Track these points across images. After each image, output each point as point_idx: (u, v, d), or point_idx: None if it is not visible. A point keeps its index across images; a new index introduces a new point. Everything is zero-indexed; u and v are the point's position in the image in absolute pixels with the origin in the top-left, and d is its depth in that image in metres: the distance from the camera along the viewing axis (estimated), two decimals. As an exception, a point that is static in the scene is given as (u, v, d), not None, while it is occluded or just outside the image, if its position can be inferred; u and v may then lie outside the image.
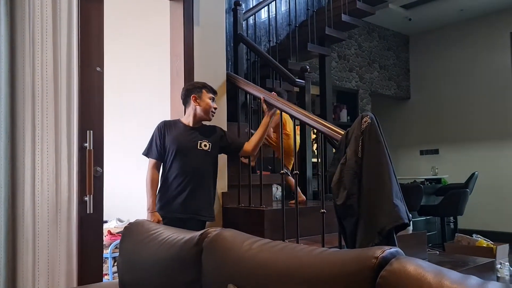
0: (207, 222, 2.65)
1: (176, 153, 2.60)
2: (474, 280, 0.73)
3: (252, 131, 3.19)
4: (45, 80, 2.17)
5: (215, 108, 2.70)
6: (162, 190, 2.64)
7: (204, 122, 2.73)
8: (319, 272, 0.90)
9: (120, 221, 3.56)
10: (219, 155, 2.78)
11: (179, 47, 2.92)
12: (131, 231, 1.65)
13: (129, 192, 3.53)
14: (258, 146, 2.82)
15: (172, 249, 1.39)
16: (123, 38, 3.56)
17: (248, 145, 2.78)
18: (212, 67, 3.10)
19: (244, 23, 4.24)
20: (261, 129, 2.80)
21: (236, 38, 4.12)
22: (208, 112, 2.66)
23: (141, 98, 3.50)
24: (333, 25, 4.75)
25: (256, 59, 4.27)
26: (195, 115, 2.65)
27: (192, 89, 2.66)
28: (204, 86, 2.67)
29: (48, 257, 2.15)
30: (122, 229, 3.47)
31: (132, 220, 3.60)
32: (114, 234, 3.41)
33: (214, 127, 2.78)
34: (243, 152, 2.80)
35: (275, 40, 4.60)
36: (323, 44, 4.82)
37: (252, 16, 4.51)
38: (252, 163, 3.25)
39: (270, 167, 4.14)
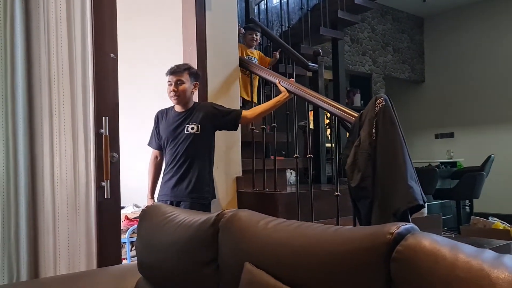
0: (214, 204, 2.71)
1: (167, 140, 2.66)
2: (489, 253, 0.74)
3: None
4: (60, 68, 2.20)
5: (173, 91, 2.62)
6: (163, 177, 2.73)
7: (199, 103, 2.77)
8: (334, 249, 0.92)
9: (137, 206, 3.62)
10: (232, 139, 2.79)
11: (192, 32, 2.92)
12: (148, 214, 1.68)
13: (144, 179, 3.58)
14: (260, 116, 2.80)
15: (188, 231, 1.41)
16: (136, 24, 3.57)
17: (250, 112, 2.75)
18: (225, 52, 3.10)
19: (256, 8, 4.22)
20: (271, 102, 2.75)
21: (248, 23, 4.10)
22: (169, 98, 2.67)
23: (155, 83, 3.51)
24: (346, 8, 4.70)
25: (269, 44, 4.26)
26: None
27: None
28: (171, 70, 2.65)
29: (68, 241, 2.20)
30: (139, 214, 3.55)
31: (148, 206, 3.66)
32: (131, 219, 3.47)
33: (205, 105, 2.73)
34: (242, 120, 2.71)
35: (287, 25, 4.58)
36: (336, 27, 4.78)
37: (263, 1, 4.48)
38: None
39: (283, 152, 4.15)
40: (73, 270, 2.18)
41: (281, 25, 4.70)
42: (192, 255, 1.37)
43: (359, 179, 2.16)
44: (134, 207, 3.61)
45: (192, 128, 2.61)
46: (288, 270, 0.98)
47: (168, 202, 2.59)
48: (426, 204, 2.13)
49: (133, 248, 3.49)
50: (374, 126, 2.16)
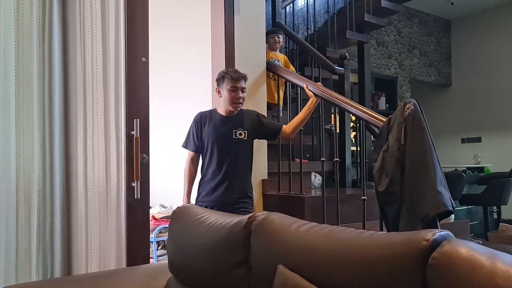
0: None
1: (212, 144, 2.62)
2: (528, 262, 0.74)
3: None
4: (95, 71, 2.27)
5: (241, 98, 2.60)
6: (202, 181, 2.69)
7: (241, 108, 2.72)
8: (368, 254, 0.93)
9: (164, 207, 3.68)
10: (258, 142, 2.81)
11: (220, 36, 2.97)
12: (179, 215, 1.72)
13: (171, 180, 3.64)
14: (297, 129, 2.82)
15: (220, 232, 1.44)
16: (166, 29, 3.65)
17: (288, 127, 2.78)
18: (252, 56, 3.13)
19: (282, 11, 4.24)
20: (304, 112, 2.78)
21: (274, 27, 4.13)
22: (231, 104, 2.61)
23: (184, 87, 3.58)
24: (372, 11, 4.67)
25: (295, 47, 4.27)
26: (224, 105, 2.64)
27: (218, 79, 2.65)
28: (226, 75, 2.60)
29: (100, 239, 2.26)
30: (165, 215, 3.62)
31: (174, 207, 3.73)
32: (158, 219, 3.54)
33: (250, 112, 2.75)
34: (282, 134, 2.78)
35: (312, 28, 4.58)
36: (362, 31, 4.76)
37: (289, 4, 4.50)
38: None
39: (308, 155, 4.16)
40: (104, 268, 2.24)
41: (307, 28, 4.71)
42: (224, 256, 1.40)
43: (387, 184, 2.15)
44: (161, 207, 3.68)
45: (240, 134, 2.64)
46: (322, 273, 1.00)
47: (215, 208, 2.53)
48: (454, 209, 2.12)
49: (159, 248, 3.55)
50: (403, 131, 2.16)
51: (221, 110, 2.68)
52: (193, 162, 2.72)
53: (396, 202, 2.14)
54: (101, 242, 2.27)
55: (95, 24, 2.27)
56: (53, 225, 2.14)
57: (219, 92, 2.64)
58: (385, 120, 2.34)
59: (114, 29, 2.31)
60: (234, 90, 2.58)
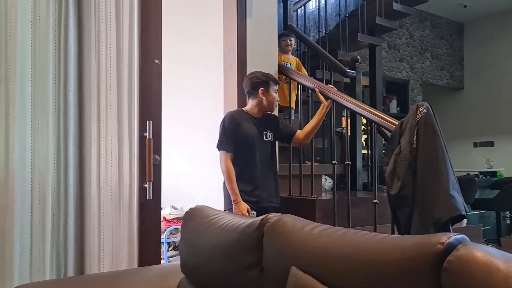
0: None
1: (246, 145, 2.64)
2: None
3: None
4: (109, 73, 2.29)
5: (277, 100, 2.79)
6: (243, 182, 2.66)
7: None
8: (382, 257, 0.93)
9: (174, 208, 3.70)
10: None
11: (233, 39, 2.98)
12: (192, 216, 1.73)
13: (182, 181, 3.67)
14: (311, 135, 2.84)
15: (232, 234, 1.45)
16: (178, 31, 3.67)
17: (301, 133, 2.82)
18: (265, 59, 3.14)
19: (293, 14, 4.25)
20: (316, 118, 2.82)
21: (286, 29, 4.14)
22: (273, 105, 2.74)
23: (195, 89, 3.60)
24: (384, 14, 4.66)
25: (306, 50, 4.28)
26: (260, 107, 2.71)
27: (260, 82, 2.70)
28: (270, 78, 2.73)
29: (112, 240, 2.28)
30: (176, 216, 3.64)
31: (185, 208, 3.75)
32: (169, 221, 3.56)
33: (270, 115, 2.82)
34: (295, 140, 2.83)
35: (324, 31, 4.58)
36: (374, 33, 4.75)
37: (301, 7, 4.51)
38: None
39: (318, 158, 4.15)
40: (116, 268, 2.26)
41: (318, 31, 4.71)
42: (236, 257, 1.40)
43: (399, 187, 2.15)
44: (172, 208, 3.70)
45: (269, 136, 2.73)
46: (335, 276, 1.00)
47: (252, 209, 2.60)
48: (467, 214, 2.10)
49: (170, 249, 3.57)
50: (415, 134, 2.15)
51: (253, 112, 2.73)
52: (230, 162, 2.65)
53: (408, 206, 2.13)
54: (113, 243, 2.29)
55: (110, 27, 2.30)
56: (67, 225, 2.16)
57: (262, 94, 2.68)
58: (397, 123, 2.34)
59: (128, 32, 2.34)
60: (276, 92, 2.75)
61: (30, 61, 2.08)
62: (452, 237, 0.86)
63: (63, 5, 2.16)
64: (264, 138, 2.70)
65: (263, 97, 2.68)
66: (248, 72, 2.97)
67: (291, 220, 1.28)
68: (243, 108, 2.77)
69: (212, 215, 1.64)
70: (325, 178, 4.13)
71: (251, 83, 2.70)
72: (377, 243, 0.97)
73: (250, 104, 2.73)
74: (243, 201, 2.59)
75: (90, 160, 2.25)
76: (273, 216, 1.35)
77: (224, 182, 2.68)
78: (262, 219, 1.36)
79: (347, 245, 1.02)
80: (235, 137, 2.64)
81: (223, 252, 1.47)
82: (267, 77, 2.72)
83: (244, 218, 1.51)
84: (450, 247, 0.84)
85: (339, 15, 4.64)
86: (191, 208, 1.76)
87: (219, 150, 2.66)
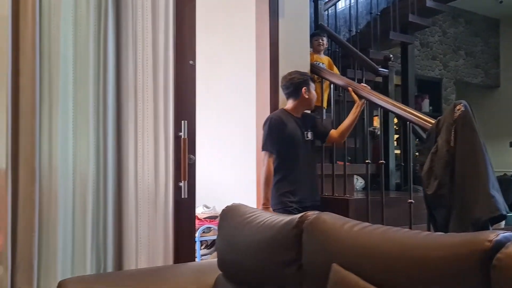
0: None
1: (291, 145, 2.66)
2: None
3: None
4: (145, 75, 2.35)
5: None
6: (280, 183, 2.68)
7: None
8: (427, 254, 0.92)
9: (207, 207, 3.75)
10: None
11: (265, 39, 3.00)
12: (229, 214, 1.76)
13: (214, 180, 3.71)
14: (346, 134, 2.83)
15: (270, 231, 1.47)
16: (211, 32, 3.72)
17: (336, 132, 2.82)
18: (297, 59, 3.14)
19: (324, 13, 4.24)
20: (350, 117, 2.82)
21: (317, 29, 4.12)
22: (313, 103, 2.78)
23: (228, 89, 3.63)
24: (417, 12, 4.58)
25: (337, 49, 4.25)
26: (302, 106, 2.75)
27: (302, 81, 2.72)
28: (309, 77, 2.77)
29: (149, 237, 2.33)
30: (209, 215, 3.68)
31: (217, 207, 3.80)
32: (201, 219, 3.61)
33: (308, 114, 2.85)
34: (329, 139, 2.83)
35: (355, 30, 4.54)
36: (406, 31, 4.67)
37: (332, 7, 4.49)
38: None
39: (349, 158, 4.12)
40: (152, 264, 2.31)
41: (349, 30, 4.68)
42: (274, 255, 1.42)
43: (436, 187, 2.11)
44: (204, 207, 3.75)
45: (309, 135, 2.76)
46: (379, 273, 1.00)
47: (296, 210, 2.56)
48: (507, 214, 2.05)
49: (202, 247, 3.62)
50: (452, 132, 2.11)
51: (294, 111, 2.76)
52: (272, 165, 2.65)
53: (445, 205, 2.10)
54: (149, 239, 2.34)
55: (146, 29, 2.35)
56: (106, 222, 2.23)
57: (305, 93, 2.72)
58: (433, 121, 2.30)
59: (163, 34, 2.39)
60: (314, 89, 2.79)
61: (71, 64, 2.15)
62: (500, 234, 0.85)
63: (103, 10, 2.23)
64: (306, 138, 2.72)
65: (306, 96, 2.70)
66: (281, 72, 2.98)
67: (330, 218, 1.28)
68: (284, 108, 2.78)
69: (249, 213, 1.66)
70: (357, 178, 4.10)
71: (293, 84, 2.72)
72: (422, 240, 0.97)
73: (292, 104, 2.74)
74: (287, 201, 2.62)
75: (127, 159, 2.30)
76: (312, 214, 1.35)
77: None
78: (301, 216, 1.37)
79: (390, 243, 1.02)
80: (281, 139, 2.64)
81: (261, 249, 1.49)
82: (307, 76, 2.76)
83: (282, 215, 1.52)
84: (499, 245, 0.83)
85: (370, 13, 4.59)
86: (227, 206, 1.78)
87: (263, 151, 2.66)
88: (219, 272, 1.77)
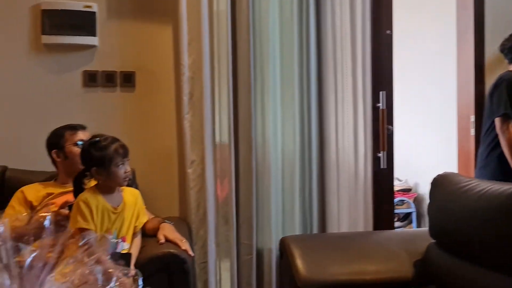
0: None
1: None
2: None
3: None
4: (344, 47, 2.42)
5: None
6: None
7: None
8: None
9: (399, 180, 3.70)
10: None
11: (467, -3, 2.75)
12: (441, 182, 1.71)
13: (406, 153, 3.61)
14: None
15: (494, 201, 1.39)
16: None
17: None
18: (508, 18, 2.77)
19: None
20: None
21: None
22: None
23: (424, 57, 3.45)
24: None
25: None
26: None
27: None
28: None
29: (349, 205, 2.44)
30: (401, 188, 3.63)
31: (409, 181, 3.69)
32: (394, 192, 3.58)
33: None
34: None
35: None
36: None
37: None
38: None
39: None
40: (352, 230, 2.42)
41: None
42: (495, 227, 1.35)
43: None
44: (397, 180, 3.70)
45: None
46: None
47: None
48: None
49: (395, 220, 3.60)
50: None
51: None
52: None
53: None
54: (350, 206, 2.44)
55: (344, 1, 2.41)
56: (311, 189, 2.41)
57: None
58: None
59: (361, 4, 2.41)
60: None
61: (278, 46, 2.35)
62: None
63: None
64: None
65: None
66: (486, 31, 2.69)
67: None
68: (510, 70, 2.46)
69: (465, 182, 1.60)
70: None
71: None
72: None
73: None
74: None
75: (329, 130, 2.43)
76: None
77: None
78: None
79: None
80: None
81: (482, 219, 1.42)
82: None
83: (507, 184, 1.42)
84: None
85: None
86: (439, 175, 1.74)
87: (498, 117, 2.35)
88: (429, 240, 1.75)
